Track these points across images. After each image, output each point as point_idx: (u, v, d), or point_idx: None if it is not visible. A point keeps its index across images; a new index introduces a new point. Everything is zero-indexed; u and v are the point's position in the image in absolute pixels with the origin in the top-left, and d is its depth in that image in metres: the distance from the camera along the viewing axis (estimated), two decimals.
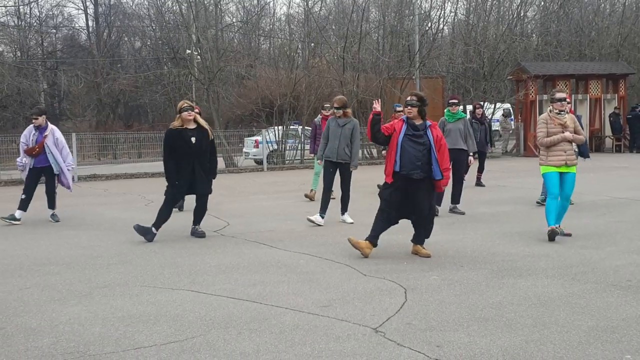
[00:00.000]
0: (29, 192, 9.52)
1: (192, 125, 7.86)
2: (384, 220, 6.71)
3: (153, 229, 7.79)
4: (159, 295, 5.33)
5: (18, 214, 9.43)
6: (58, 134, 9.68)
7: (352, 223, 8.83)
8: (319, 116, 12.35)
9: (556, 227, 7.44)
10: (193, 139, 7.78)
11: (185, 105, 7.88)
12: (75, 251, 7.32)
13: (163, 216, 7.86)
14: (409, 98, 6.74)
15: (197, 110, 8.14)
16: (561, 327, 4.37)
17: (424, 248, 6.76)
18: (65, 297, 5.33)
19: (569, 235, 7.58)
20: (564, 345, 4.02)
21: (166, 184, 7.99)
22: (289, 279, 5.80)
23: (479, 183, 13.29)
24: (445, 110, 9.75)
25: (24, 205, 9.48)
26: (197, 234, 8.04)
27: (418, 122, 6.66)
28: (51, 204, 9.71)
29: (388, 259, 6.54)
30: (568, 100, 7.77)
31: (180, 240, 7.81)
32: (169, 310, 4.91)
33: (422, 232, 6.79)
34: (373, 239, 6.66)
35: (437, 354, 3.90)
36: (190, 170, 7.83)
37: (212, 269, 6.28)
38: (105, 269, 6.38)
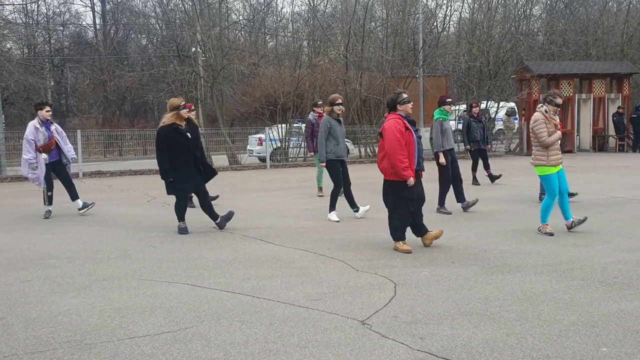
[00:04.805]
0: (52, 187, 9.82)
1: (183, 122, 8.05)
2: (409, 221, 6.94)
3: (180, 223, 8.18)
4: (155, 288, 5.48)
5: (50, 207, 9.81)
6: (59, 127, 10.00)
7: (368, 208, 9.18)
8: (313, 114, 12.30)
9: (574, 218, 7.92)
10: (188, 134, 8.00)
11: (183, 103, 8.06)
12: (76, 246, 7.50)
13: (179, 210, 8.20)
14: (405, 95, 6.82)
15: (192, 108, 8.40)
16: (543, 321, 4.50)
17: (431, 230, 7.06)
18: (65, 290, 5.50)
19: (586, 219, 7.92)
20: (544, 338, 4.15)
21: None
22: (283, 274, 5.94)
23: (475, 182, 13.40)
24: (438, 110, 9.78)
25: (51, 200, 9.84)
26: (222, 224, 8.35)
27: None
28: (73, 195, 9.94)
29: (382, 256, 6.67)
30: None
31: (179, 236, 7.96)
32: (164, 302, 5.06)
33: (422, 219, 7.06)
34: (404, 237, 6.94)
35: (419, 346, 4.04)
36: (191, 165, 8.02)
37: (209, 263, 6.43)
38: (105, 262, 6.55)
